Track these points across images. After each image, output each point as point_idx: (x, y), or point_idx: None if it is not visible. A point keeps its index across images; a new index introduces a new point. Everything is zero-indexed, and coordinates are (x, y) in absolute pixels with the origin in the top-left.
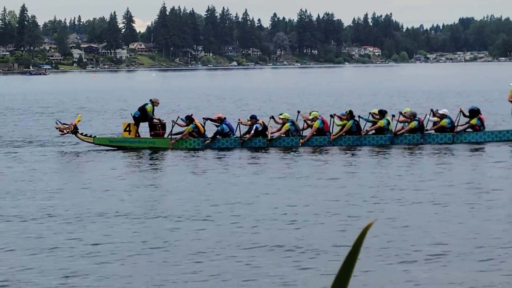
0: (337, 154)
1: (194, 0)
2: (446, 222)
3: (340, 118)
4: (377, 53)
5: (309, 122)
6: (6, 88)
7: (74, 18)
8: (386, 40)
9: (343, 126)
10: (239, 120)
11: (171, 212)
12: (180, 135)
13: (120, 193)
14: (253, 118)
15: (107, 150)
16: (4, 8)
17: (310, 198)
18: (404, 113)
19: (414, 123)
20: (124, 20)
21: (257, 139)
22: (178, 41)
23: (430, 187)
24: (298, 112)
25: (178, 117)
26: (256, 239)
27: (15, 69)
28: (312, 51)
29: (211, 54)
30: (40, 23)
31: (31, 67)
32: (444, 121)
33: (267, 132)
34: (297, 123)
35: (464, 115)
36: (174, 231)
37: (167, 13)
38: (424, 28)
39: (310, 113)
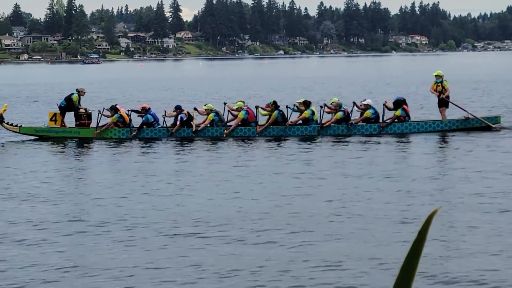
0: (263, 145)
1: None
2: (372, 213)
3: (264, 109)
4: (424, 42)
5: (234, 112)
6: (67, 77)
7: (121, 7)
8: (433, 28)
9: (269, 116)
10: (165, 112)
11: (96, 205)
12: (105, 126)
13: (42, 185)
14: (178, 109)
15: (33, 140)
16: None
17: (235, 190)
18: (331, 103)
19: (339, 114)
20: (171, 9)
21: (182, 129)
22: (225, 30)
23: (357, 178)
24: (224, 103)
25: (104, 108)
26: (184, 231)
27: (62, 58)
28: (359, 39)
29: (257, 43)
30: (88, 12)
31: (79, 56)
32: (368, 112)
33: (192, 123)
34: (221, 114)
35: (388, 109)
36: (103, 226)
37: (214, 2)
38: (472, 17)
39: (235, 103)
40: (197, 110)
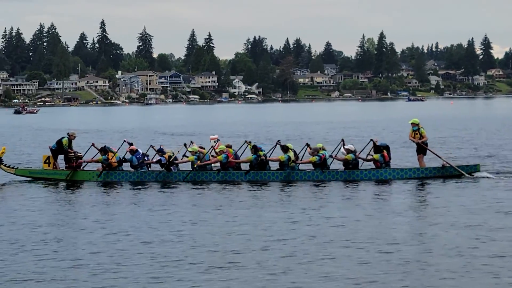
0: (239, 190)
1: None
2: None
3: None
4: None
5: (215, 154)
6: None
7: (432, 44)
8: None
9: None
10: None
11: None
12: (89, 161)
13: (26, 223)
14: (160, 151)
15: (28, 181)
16: (363, 36)
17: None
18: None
19: (315, 158)
20: (482, 46)
21: (157, 172)
22: None
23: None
24: (217, 140)
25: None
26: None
27: (373, 96)
28: None
29: None
30: (398, 50)
31: (389, 93)
32: (349, 156)
33: (175, 164)
34: (202, 158)
35: (374, 146)
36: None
37: None
38: None
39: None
40: (185, 147)
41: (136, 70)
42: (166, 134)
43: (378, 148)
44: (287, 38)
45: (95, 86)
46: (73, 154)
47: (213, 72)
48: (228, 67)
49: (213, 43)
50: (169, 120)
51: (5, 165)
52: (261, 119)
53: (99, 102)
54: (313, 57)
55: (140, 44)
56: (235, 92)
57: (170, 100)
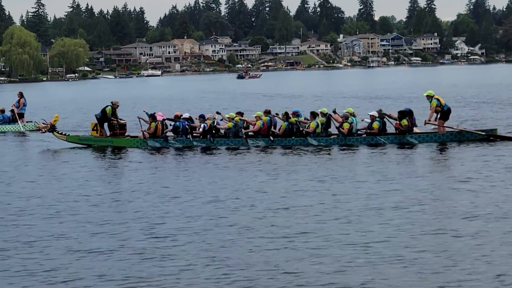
0: (279, 154)
1: None
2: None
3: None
4: None
5: (252, 121)
6: None
7: None
8: None
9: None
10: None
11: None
12: (143, 133)
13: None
14: (201, 117)
15: (78, 147)
16: None
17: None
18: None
19: (346, 125)
20: None
21: (202, 140)
22: None
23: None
24: (271, 113)
25: (144, 110)
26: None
27: None
28: None
29: None
30: None
31: None
32: (376, 123)
33: (214, 131)
34: (239, 125)
35: (393, 118)
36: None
37: None
38: None
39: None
40: (220, 114)
41: (357, 33)
42: (387, 98)
43: (402, 114)
44: None
45: (317, 50)
46: (116, 122)
47: (435, 34)
48: (450, 29)
49: (434, 5)
50: (391, 82)
51: (57, 132)
52: (484, 81)
53: (321, 66)
54: None
55: (361, 7)
56: (457, 53)
57: (392, 62)
